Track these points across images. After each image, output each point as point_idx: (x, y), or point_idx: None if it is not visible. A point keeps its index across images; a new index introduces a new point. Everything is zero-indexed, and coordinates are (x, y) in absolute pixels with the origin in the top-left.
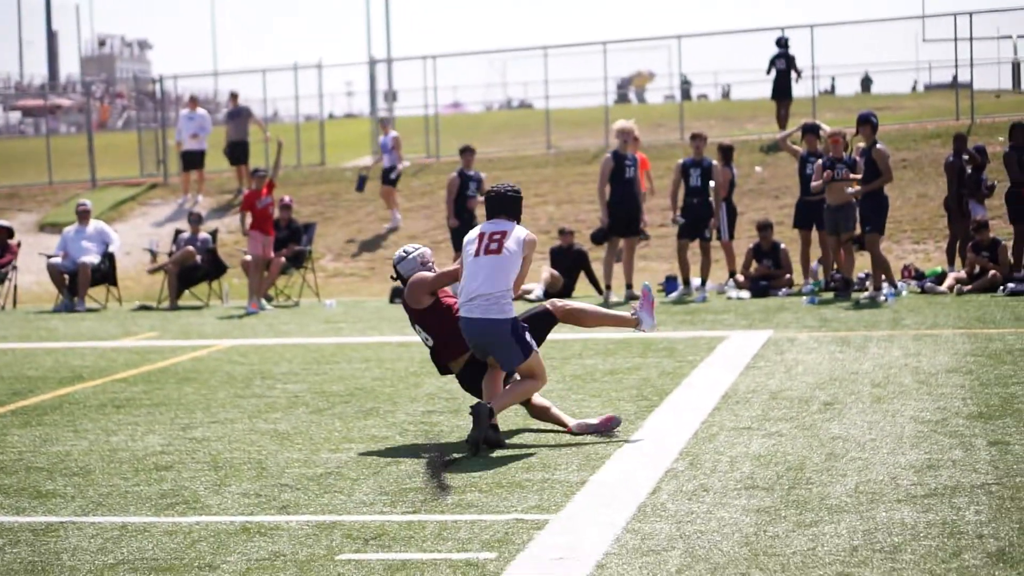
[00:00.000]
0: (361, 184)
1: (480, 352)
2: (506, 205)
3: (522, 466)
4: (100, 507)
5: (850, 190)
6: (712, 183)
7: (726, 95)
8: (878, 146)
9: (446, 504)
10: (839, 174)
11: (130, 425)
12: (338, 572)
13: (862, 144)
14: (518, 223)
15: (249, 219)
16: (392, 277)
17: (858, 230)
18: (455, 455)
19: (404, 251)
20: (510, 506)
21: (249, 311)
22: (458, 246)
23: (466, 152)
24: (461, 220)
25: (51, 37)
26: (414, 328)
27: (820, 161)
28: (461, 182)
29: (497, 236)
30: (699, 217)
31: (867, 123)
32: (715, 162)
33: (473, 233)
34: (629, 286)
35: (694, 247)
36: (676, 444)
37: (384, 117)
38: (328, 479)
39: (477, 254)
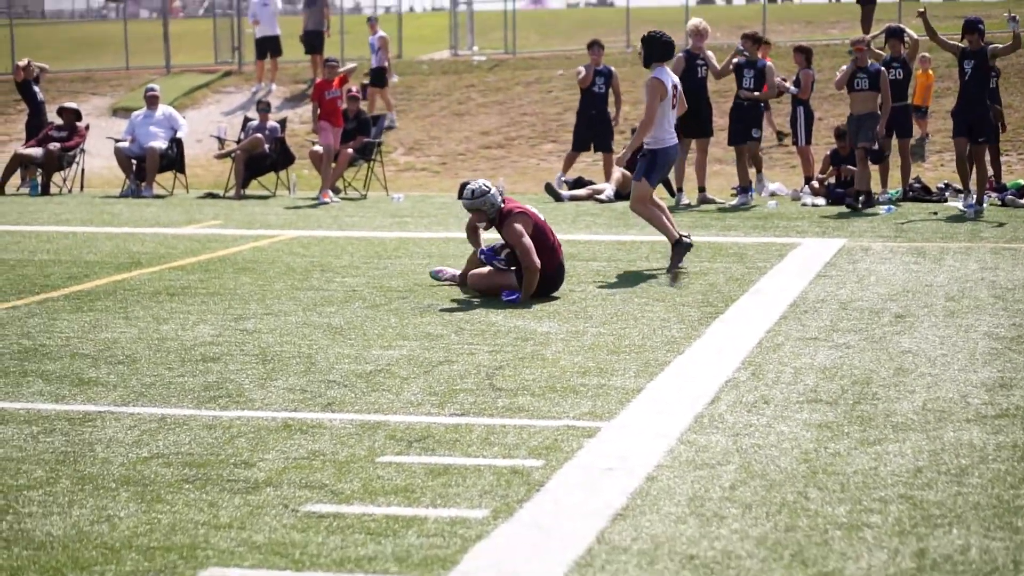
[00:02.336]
0: (364, 94)
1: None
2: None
3: (578, 370)
4: (142, 397)
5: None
6: (769, 84)
7: None
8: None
9: (495, 407)
10: (859, 85)
11: (182, 314)
12: (377, 475)
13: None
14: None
15: (319, 110)
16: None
17: (876, 144)
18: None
19: (484, 186)
20: (562, 412)
21: (321, 201)
22: (578, 141)
23: (594, 47)
24: (587, 116)
25: None
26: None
27: (844, 67)
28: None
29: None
30: (749, 120)
31: (974, 30)
32: (769, 63)
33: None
34: (702, 189)
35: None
36: (739, 353)
37: (371, 16)
38: (377, 377)
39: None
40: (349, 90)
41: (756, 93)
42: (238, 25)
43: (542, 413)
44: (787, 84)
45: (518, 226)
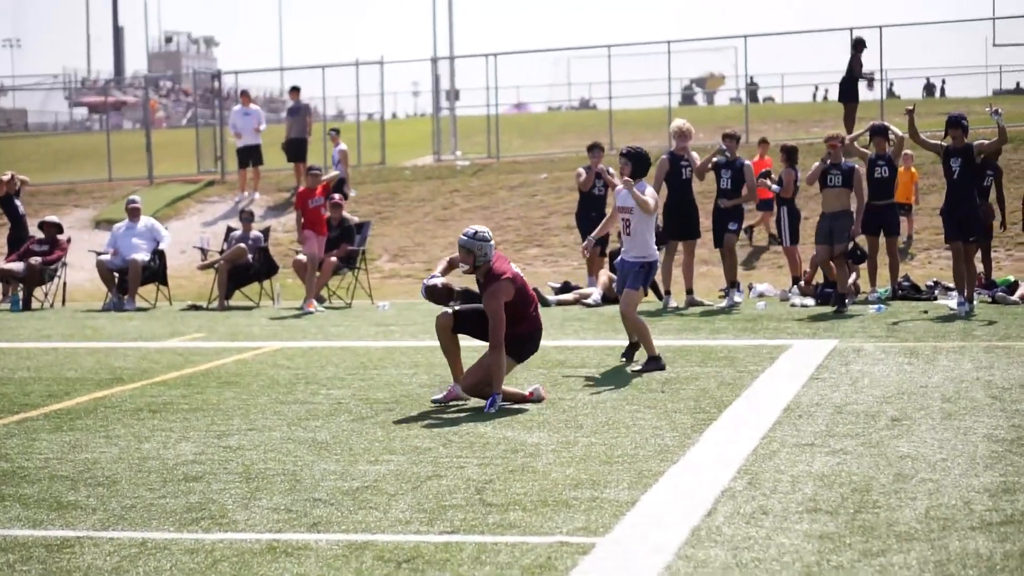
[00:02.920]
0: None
1: None
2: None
3: (570, 482)
4: (122, 520)
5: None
6: (748, 185)
7: (766, 98)
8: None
9: (486, 524)
10: (832, 182)
11: (164, 431)
12: None
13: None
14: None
15: (303, 218)
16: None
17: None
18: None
19: (488, 234)
20: (554, 527)
21: (306, 311)
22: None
23: (594, 149)
24: (588, 218)
25: (117, 33)
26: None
27: (816, 164)
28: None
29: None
30: (725, 221)
31: (957, 126)
32: (747, 162)
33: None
34: (689, 291)
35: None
36: (734, 461)
37: (333, 128)
38: (364, 494)
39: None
40: (331, 197)
41: (734, 200)
42: (220, 135)
43: (534, 529)
44: (768, 183)
45: (500, 296)
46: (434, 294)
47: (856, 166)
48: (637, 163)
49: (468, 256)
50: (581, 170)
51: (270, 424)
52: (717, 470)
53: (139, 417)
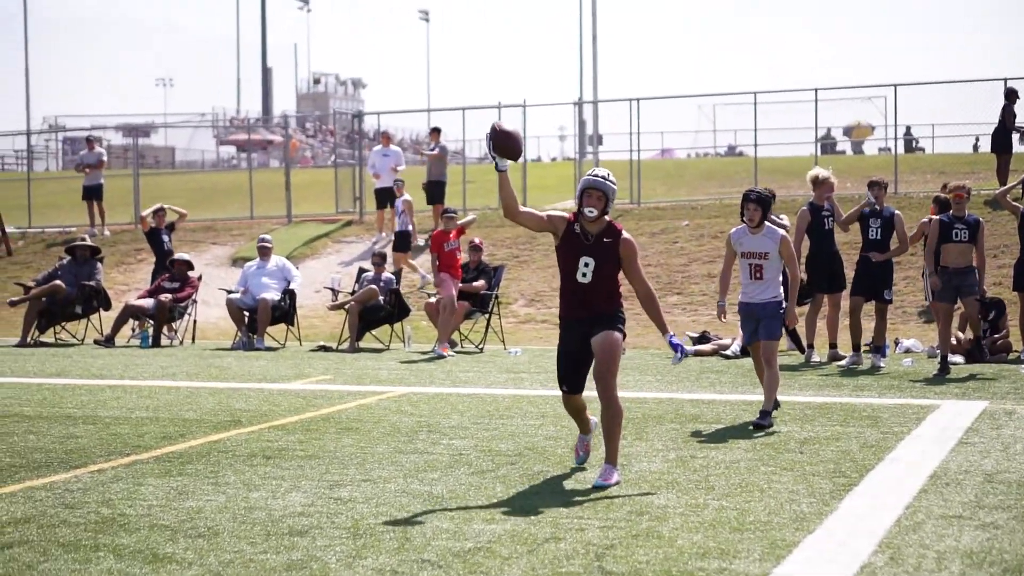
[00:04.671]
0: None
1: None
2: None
3: (697, 551)
4: None
5: None
6: (899, 236)
7: (915, 147)
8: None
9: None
10: (957, 236)
11: (275, 480)
12: None
13: None
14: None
15: (438, 261)
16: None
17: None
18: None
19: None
20: None
21: (438, 355)
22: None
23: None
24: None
25: (266, 74)
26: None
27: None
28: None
29: None
30: (877, 273)
31: None
32: (897, 212)
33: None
34: (833, 345)
35: (869, 308)
36: (875, 533)
37: (397, 180)
38: (476, 556)
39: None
40: (472, 241)
41: (885, 254)
42: (360, 175)
43: None
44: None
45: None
46: (507, 138)
47: (981, 219)
48: (766, 207)
49: (600, 201)
50: (784, 218)
51: (386, 475)
52: (857, 542)
53: (251, 463)
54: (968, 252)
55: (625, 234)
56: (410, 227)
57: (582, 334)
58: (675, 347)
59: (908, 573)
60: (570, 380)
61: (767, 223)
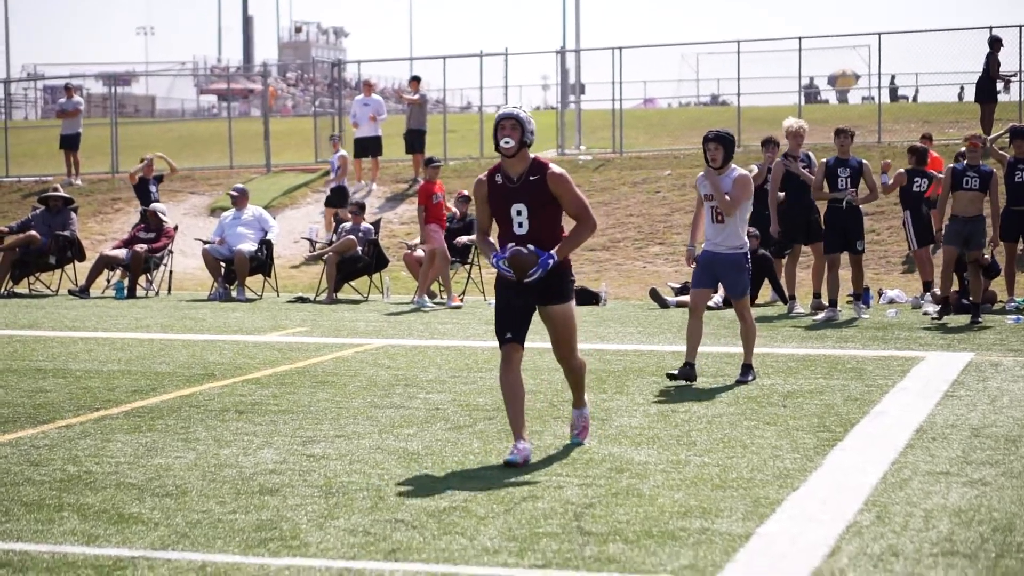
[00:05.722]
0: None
1: None
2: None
3: (679, 510)
4: (183, 539)
5: None
6: (869, 185)
7: (913, 98)
8: None
9: (582, 558)
10: (968, 184)
11: (247, 436)
12: None
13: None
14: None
15: (425, 213)
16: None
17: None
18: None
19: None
20: (658, 564)
21: (451, 305)
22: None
23: (769, 144)
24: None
25: (247, 22)
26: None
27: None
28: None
29: None
30: (849, 224)
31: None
32: (865, 161)
33: None
34: (816, 295)
35: (844, 261)
36: (861, 490)
37: (333, 135)
38: (451, 515)
39: None
40: (460, 192)
41: (858, 199)
42: (340, 124)
43: (635, 566)
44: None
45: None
46: (524, 260)
47: (994, 170)
48: (729, 147)
49: (515, 131)
50: (754, 167)
51: (360, 430)
52: (842, 500)
53: (223, 419)
54: (979, 201)
55: (553, 167)
56: (344, 183)
57: (526, 291)
58: (541, 258)
59: (895, 532)
60: (517, 328)
61: (732, 165)
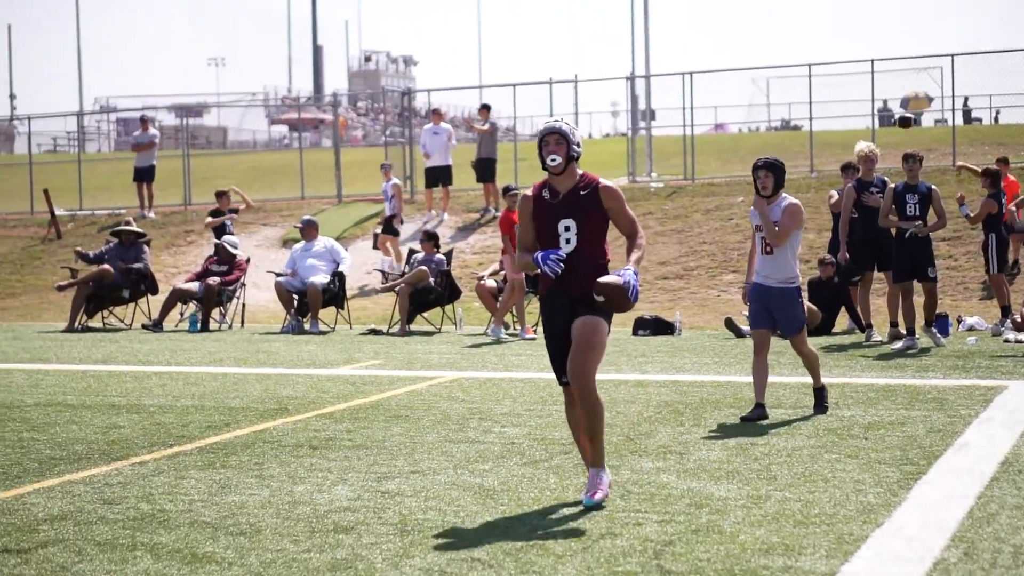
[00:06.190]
0: (375, 242)
1: None
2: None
3: (761, 547)
4: None
5: None
6: (937, 212)
7: (996, 119)
8: None
9: None
10: None
11: (321, 472)
12: None
13: None
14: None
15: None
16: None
17: None
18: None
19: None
20: None
21: (525, 337)
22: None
23: (848, 169)
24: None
25: (317, 52)
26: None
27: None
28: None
29: None
30: (916, 252)
31: None
32: (934, 187)
33: None
34: (893, 324)
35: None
36: (947, 526)
37: (385, 163)
38: (528, 554)
39: None
40: None
41: (921, 224)
42: (410, 153)
43: None
44: (963, 209)
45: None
46: (615, 289)
47: None
48: (779, 175)
49: (560, 147)
50: (833, 192)
51: (435, 466)
52: (927, 536)
53: (297, 454)
54: None
55: (604, 181)
56: (399, 212)
57: (568, 312)
58: (629, 280)
59: (984, 570)
60: (565, 367)
61: (783, 193)
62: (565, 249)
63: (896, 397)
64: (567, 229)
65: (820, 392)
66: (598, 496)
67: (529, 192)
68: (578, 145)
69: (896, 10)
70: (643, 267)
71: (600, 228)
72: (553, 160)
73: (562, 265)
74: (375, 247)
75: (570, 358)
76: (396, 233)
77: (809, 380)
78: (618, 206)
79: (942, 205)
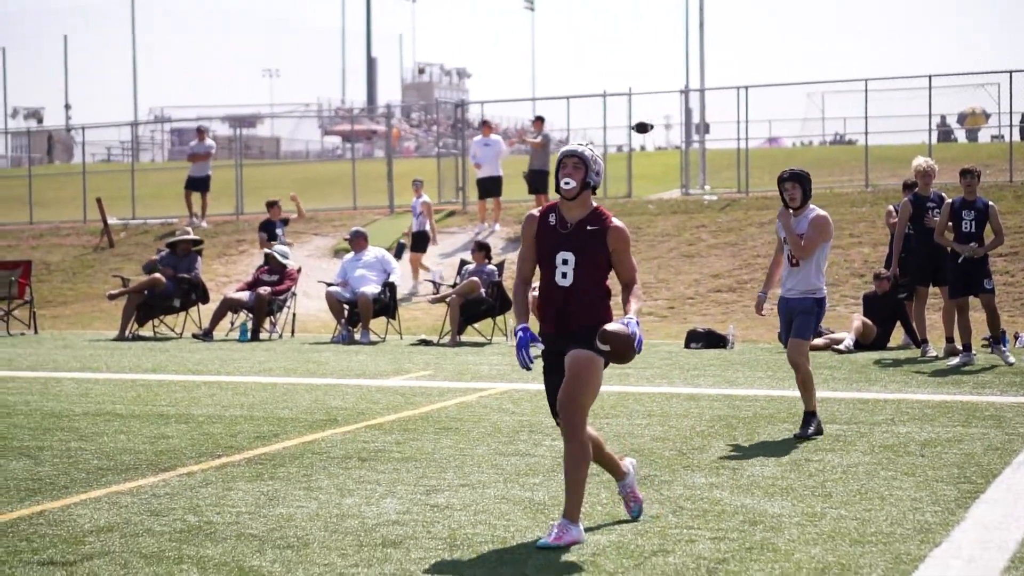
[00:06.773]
0: (400, 251)
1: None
2: None
3: (816, 566)
4: None
5: None
6: (995, 229)
7: None
8: None
9: None
10: None
11: (370, 484)
12: None
13: None
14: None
15: None
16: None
17: None
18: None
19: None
20: None
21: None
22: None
23: (908, 189)
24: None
25: (370, 64)
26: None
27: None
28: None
29: None
30: (969, 268)
31: None
32: (992, 203)
33: None
34: (949, 339)
35: (976, 303)
36: (1007, 547)
37: (416, 179)
38: (579, 570)
39: None
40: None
41: (978, 250)
42: (463, 165)
43: None
44: None
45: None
46: (622, 339)
47: None
48: (806, 186)
49: (578, 171)
50: (892, 208)
51: (485, 479)
52: (987, 558)
53: (346, 466)
54: None
55: (615, 221)
56: (427, 227)
57: (561, 353)
58: (634, 332)
59: None
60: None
61: (811, 205)
62: (560, 283)
63: (953, 414)
64: (565, 263)
65: (808, 416)
66: (565, 539)
67: (534, 212)
68: (598, 173)
69: (953, 26)
70: (695, 279)
71: (601, 268)
72: (567, 184)
73: (535, 359)
74: (398, 256)
75: (561, 390)
76: (423, 250)
77: (864, 396)
78: (624, 249)
79: (999, 222)
